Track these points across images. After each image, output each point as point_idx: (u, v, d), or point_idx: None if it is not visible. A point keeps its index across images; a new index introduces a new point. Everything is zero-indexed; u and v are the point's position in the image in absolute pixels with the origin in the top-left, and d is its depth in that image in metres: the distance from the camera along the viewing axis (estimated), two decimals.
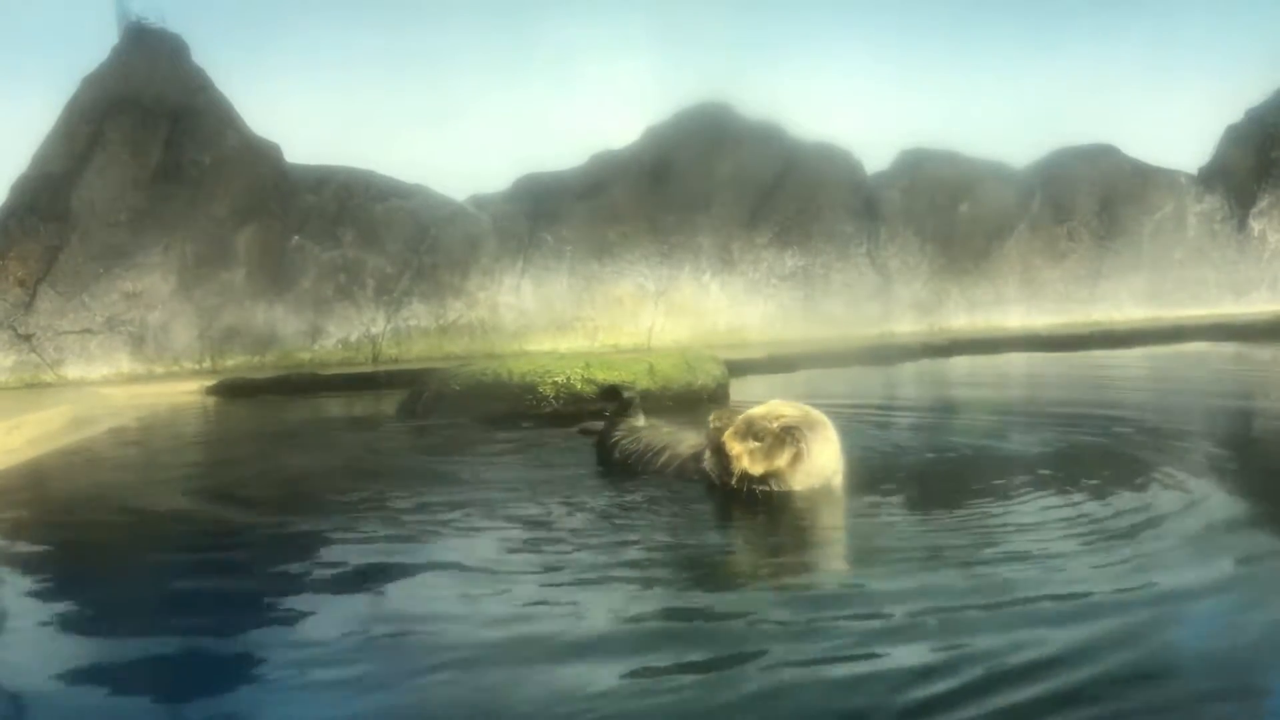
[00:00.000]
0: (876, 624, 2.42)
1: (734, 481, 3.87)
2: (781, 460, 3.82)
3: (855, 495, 3.92)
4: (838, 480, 3.99)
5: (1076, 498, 3.70)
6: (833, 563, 3.29)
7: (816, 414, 4.00)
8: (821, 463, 3.90)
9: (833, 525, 3.71)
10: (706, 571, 3.03)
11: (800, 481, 3.87)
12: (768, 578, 3.04)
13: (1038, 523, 3.34)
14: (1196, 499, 3.62)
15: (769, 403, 4.02)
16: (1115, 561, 2.88)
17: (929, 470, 4.55)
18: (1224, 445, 5.08)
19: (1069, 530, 3.23)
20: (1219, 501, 3.64)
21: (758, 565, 3.22)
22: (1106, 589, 2.61)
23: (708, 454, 4.04)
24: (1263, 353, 11.71)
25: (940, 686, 2.05)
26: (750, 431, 3.86)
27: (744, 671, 2.19)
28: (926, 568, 2.87)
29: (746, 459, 3.83)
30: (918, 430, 6.11)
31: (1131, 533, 3.17)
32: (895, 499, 3.87)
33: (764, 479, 3.85)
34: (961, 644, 2.26)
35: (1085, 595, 2.58)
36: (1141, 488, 3.83)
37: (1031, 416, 6.38)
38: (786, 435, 3.84)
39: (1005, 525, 3.33)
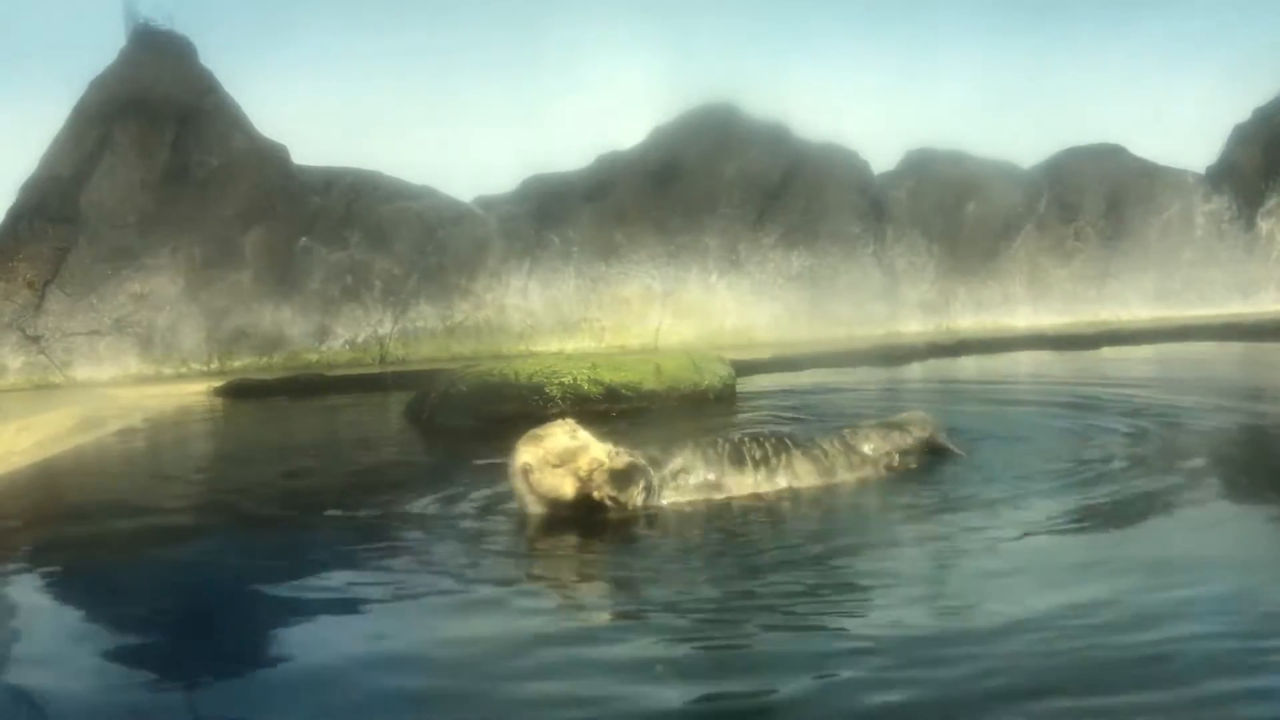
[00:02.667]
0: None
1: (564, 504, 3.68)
2: (619, 464, 3.73)
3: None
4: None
5: None
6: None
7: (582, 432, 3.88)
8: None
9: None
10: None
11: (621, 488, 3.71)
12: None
13: None
14: None
15: (528, 436, 3.80)
16: None
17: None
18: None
19: None
20: None
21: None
22: None
23: (522, 491, 3.76)
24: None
25: None
26: (563, 458, 3.70)
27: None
28: None
29: (602, 482, 3.68)
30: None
31: None
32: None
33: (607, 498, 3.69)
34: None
35: None
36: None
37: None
38: (621, 457, 3.75)
39: None
